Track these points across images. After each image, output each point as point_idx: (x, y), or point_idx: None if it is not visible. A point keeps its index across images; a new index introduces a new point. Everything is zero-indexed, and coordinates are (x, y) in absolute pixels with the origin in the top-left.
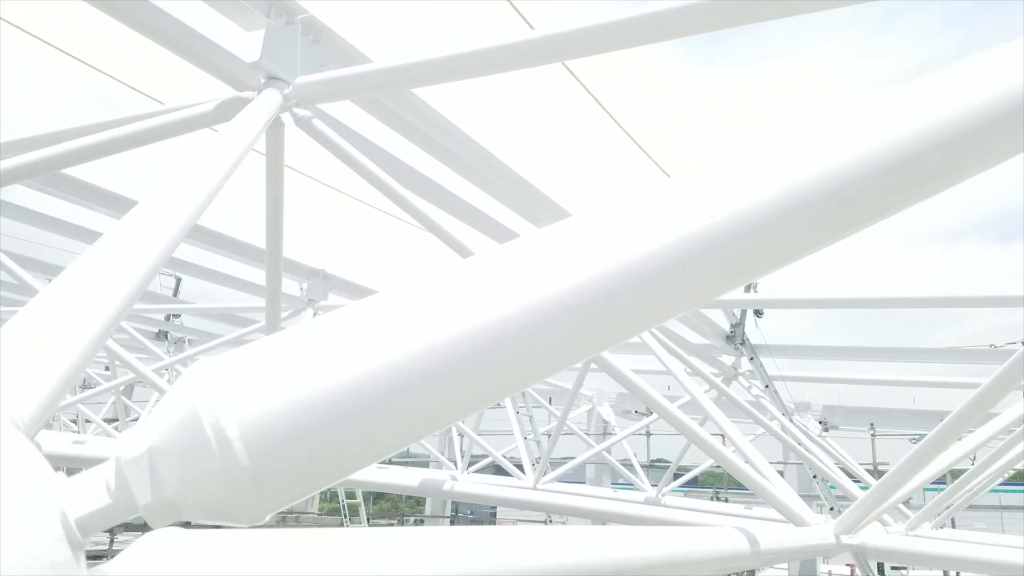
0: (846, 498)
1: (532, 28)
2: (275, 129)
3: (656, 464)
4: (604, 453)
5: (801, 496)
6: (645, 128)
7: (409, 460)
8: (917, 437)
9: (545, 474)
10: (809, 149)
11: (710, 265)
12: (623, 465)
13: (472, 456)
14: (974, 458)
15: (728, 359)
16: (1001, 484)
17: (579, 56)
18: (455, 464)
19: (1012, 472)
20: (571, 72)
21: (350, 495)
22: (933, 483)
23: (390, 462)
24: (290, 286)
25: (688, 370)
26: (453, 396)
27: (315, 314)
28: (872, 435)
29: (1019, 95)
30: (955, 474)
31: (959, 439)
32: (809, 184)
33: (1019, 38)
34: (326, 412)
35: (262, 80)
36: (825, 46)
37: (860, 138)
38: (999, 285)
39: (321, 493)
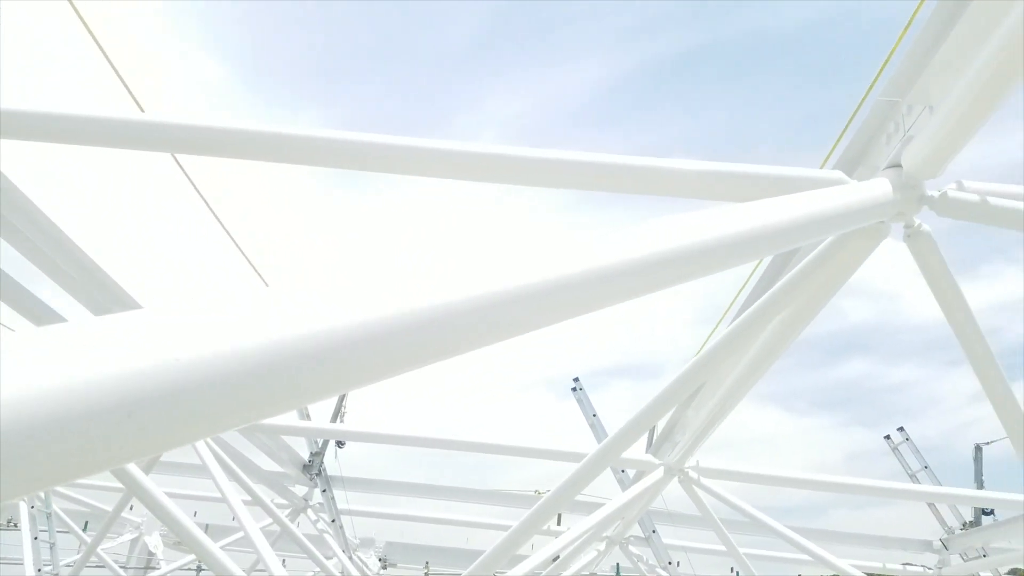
0: None
1: (142, 111)
2: None
3: None
4: None
5: None
6: (256, 235)
7: None
8: None
9: None
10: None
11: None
12: None
13: None
14: None
15: (302, 489)
16: None
17: (193, 152)
18: None
19: None
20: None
21: None
22: None
23: None
24: None
25: (249, 500)
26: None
27: None
28: (425, 574)
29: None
30: None
31: None
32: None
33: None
34: None
35: None
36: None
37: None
38: (554, 436)
39: None
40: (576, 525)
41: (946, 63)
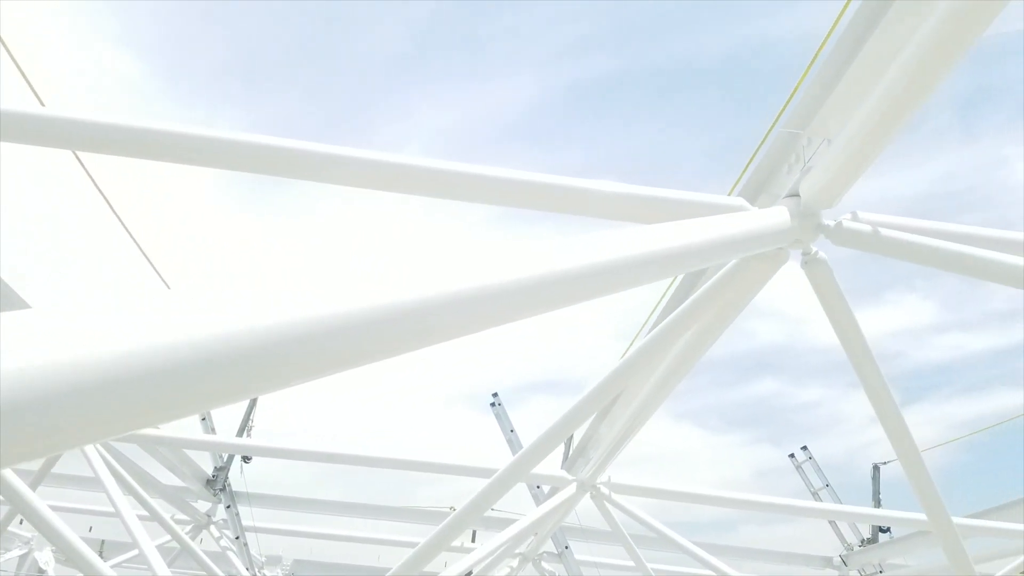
0: None
1: (43, 105)
2: None
3: None
4: None
5: None
6: (161, 236)
7: None
8: None
9: None
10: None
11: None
12: None
13: None
14: None
15: (205, 505)
16: None
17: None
18: None
19: None
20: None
21: None
22: None
23: None
24: None
25: (146, 515)
26: None
27: None
28: None
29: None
30: None
31: None
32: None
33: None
34: None
35: None
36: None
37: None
38: (475, 452)
39: None
40: (489, 541)
41: (843, 99)
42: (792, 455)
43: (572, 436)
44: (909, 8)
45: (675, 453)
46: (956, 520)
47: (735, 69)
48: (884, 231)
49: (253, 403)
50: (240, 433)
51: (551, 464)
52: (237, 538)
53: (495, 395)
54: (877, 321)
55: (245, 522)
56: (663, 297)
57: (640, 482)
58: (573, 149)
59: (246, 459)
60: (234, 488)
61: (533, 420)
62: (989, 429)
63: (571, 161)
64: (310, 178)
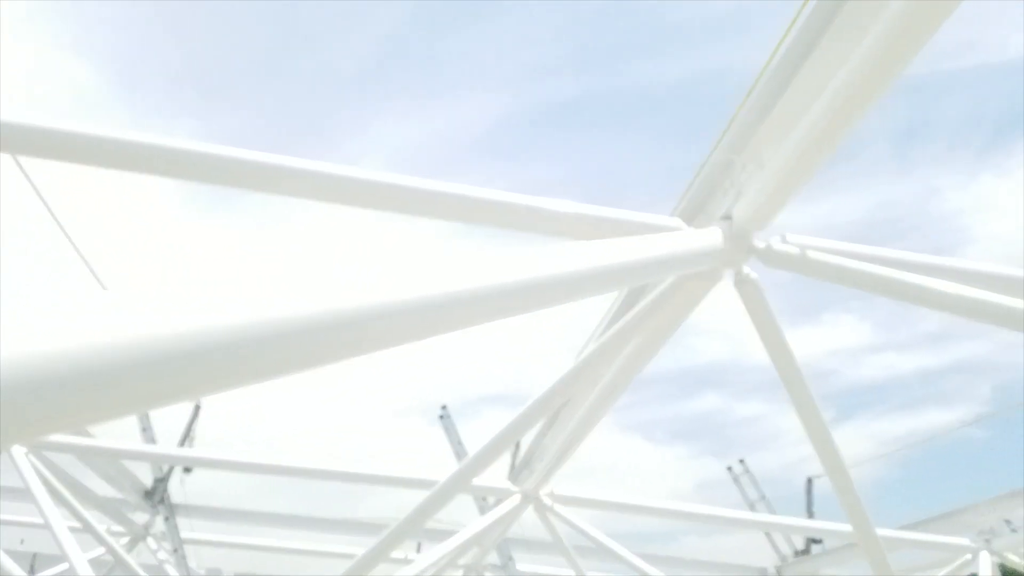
0: None
1: None
2: None
3: None
4: None
5: None
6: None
7: None
8: None
9: None
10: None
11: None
12: None
13: None
14: None
15: (143, 517)
16: None
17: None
18: None
19: None
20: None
21: None
22: None
23: None
24: None
25: (80, 526)
26: None
27: None
28: None
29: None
30: None
31: None
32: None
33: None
34: None
35: None
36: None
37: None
38: (426, 464)
39: None
40: (430, 552)
41: (775, 128)
42: (730, 467)
43: (519, 448)
44: (835, 47)
45: (623, 465)
46: (881, 532)
47: (691, 95)
48: (811, 253)
49: (195, 413)
50: (181, 443)
51: (499, 476)
52: (175, 551)
53: (443, 407)
54: (815, 340)
55: (184, 534)
56: (609, 313)
57: (583, 493)
58: (535, 169)
59: (187, 470)
60: (173, 500)
61: (487, 433)
62: (918, 445)
63: (532, 180)
64: (263, 189)
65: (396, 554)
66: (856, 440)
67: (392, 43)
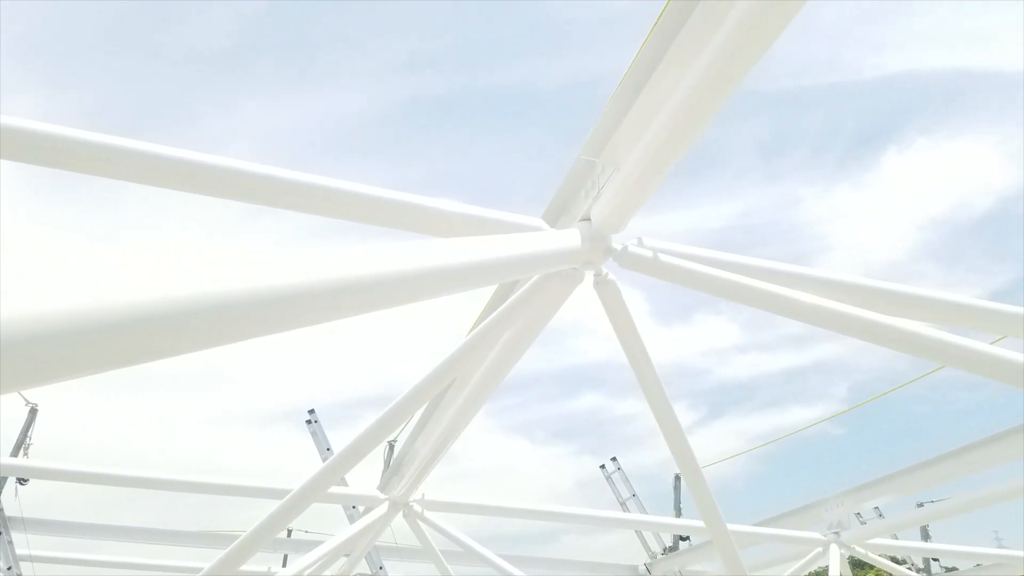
0: None
1: None
2: None
3: None
4: None
5: None
6: None
7: None
8: None
9: None
10: None
11: None
12: None
13: None
14: None
15: None
16: None
17: None
18: None
19: None
20: None
21: None
22: None
23: None
24: None
25: None
26: None
27: None
28: None
29: None
30: None
31: None
32: None
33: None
34: None
35: None
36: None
37: None
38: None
39: None
40: (293, 564)
41: (630, 131)
42: (603, 466)
43: (393, 454)
44: (683, 54)
45: (504, 466)
46: (738, 527)
47: (577, 94)
48: (664, 257)
49: (31, 418)
50: (15, 452)
51: (372, 484)
52: (9, 568)
53: (311, 412)
54: (689, 340)
55: (20, 550)
56: (479, 314)
57: (453, 498)
58: (410, 166)
59: (22, 481)
60: (7, 513)
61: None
62: (778, 441)
63: (406, 178)
64: (108, 175)
65: (258, 568)
66: (725, 436)
67: (261, 22)
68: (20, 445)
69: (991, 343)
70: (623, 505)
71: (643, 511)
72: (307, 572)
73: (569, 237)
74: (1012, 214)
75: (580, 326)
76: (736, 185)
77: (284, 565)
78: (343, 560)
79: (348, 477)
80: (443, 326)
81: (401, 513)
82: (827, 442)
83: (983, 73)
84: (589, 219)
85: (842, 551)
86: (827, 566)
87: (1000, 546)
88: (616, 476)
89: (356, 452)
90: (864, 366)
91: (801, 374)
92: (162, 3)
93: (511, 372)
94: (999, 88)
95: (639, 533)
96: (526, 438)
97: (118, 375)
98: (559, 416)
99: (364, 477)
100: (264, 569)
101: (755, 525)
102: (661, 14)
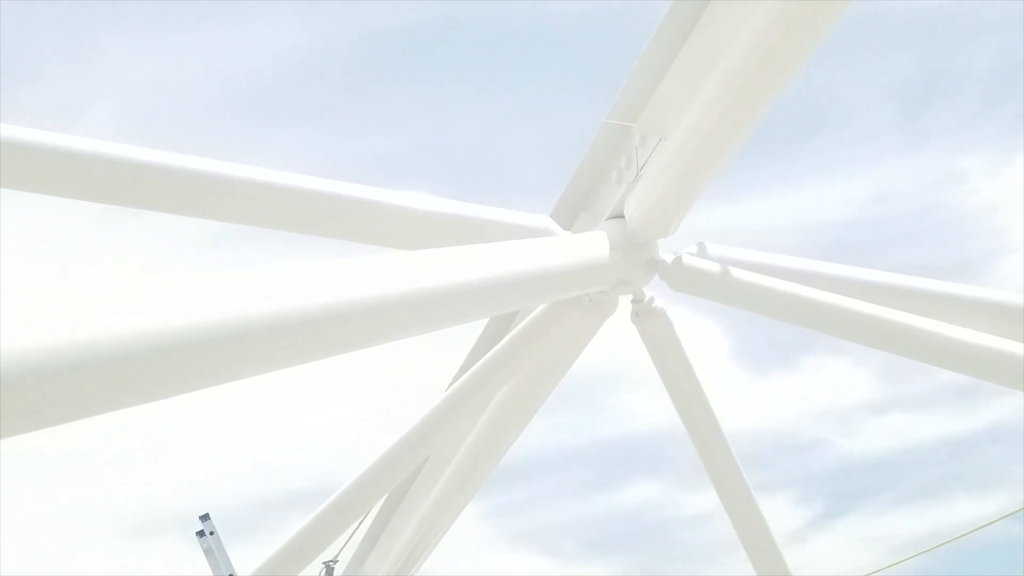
0: None
1: None
2: None
3: None
4: None
5: None
6: None
7: None
8: None
9: None
10: None
11: None
12: None
13: None
14: None
15: None
16: None
17: None
18: None
19: None
20: None
21: None
22: None
23: None
24: None
25: None
26: None
27: None
28: None
29: None
30: None
31: None
32: None
33: None
34: None
35: None
36: None
37: None
38: None
39: None
40: None
41: (679, 86)
42: None
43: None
44: None
45: None
46: None
47: (602, 31)
48: (738, 273)
49: None
50: None
51: None
52: None
53: (205, 517)
54: (792, 396)
55: None
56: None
57: None
58: (363, 136)
59: None
60: None
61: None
62: (939, 549)
63: (357, 154)
64: None
65: None
66: (854, 543)
67: None
68: None
69: None
70: None
71: None
72: None
73: (592, 244)
74: None
75: (627, 374)
76: (864, 155)
77: None
78: None
79: None
80: (406, 380)
81: None
82: (1013, 546)
83: None
84: (622, 215)
85: None
86: None
87: None
88: None
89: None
90: None
91: (970, 445)
92: None
93: (512, 449)
94: None
95: None
96: (544, 552)
97: None
98: (596, 517)
99: None
100: None
101: None
102: None
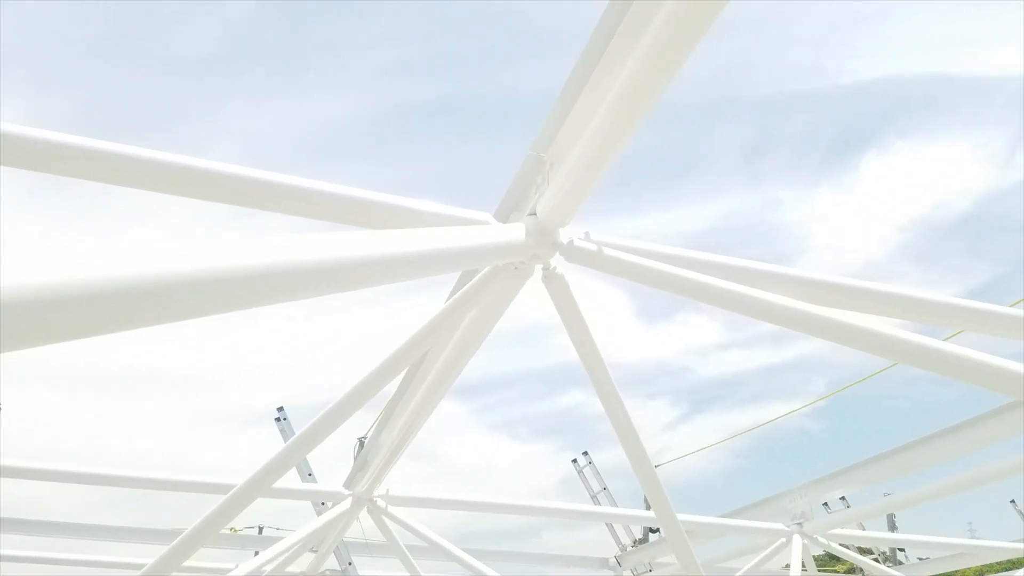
0: None
1: None
2: None
3: None
4: None
5: None
6: None
7: None
8: None
9: None
10: None
11: None
12: None
13: None
14: None
15: None
16: None
17: None
18: None
19: None
20: None
21: None
22: None
23: None
24: None
25: None
26: None
27: None
28: None
29: None
30: None
31: None
32: None
33: None
34: None
35: None
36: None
37: None
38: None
39: None
40: (251, 560)
41: (574, 125)
42: (575, 460)
43: (362, 449)
44: (618, 53)
45: (487, 464)
46: (703, 519)
47: (545, 104)
48: (608, 251)
49: None
50: None
51: (336, 480)
52: None
53: (280, 409)
54: (672, 338)
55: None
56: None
57: (417, 493)
58: (395, 168)
59: None
60: None
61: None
62: (751, 432)
63: (391, 180)
64: (91, 178)
65: (227, 565)
66: (705, 432)
67: (248, 28)
68: None
69: (944, 339)
70: (594, 499)
71: (614, 505)
72: (270, 567)
73: (514, 231)
74: (989, 215)
75: (562, 324)
76: (719, 188)
77: (256, 555)
78: (311, 556)
79: (320, 477)
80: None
81: (366, 509)
82: (805, 437)
83: (960, 78)
84: (535, 213)
85: (805, 541)
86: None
87: (973, 537)
88: (588, 471)
89: (306, 443)
90: (841, 362)
91: (780, 371)
92: (149, 10)
93: (490, 370)
94: (975, 93)
95: (610, 526)
96: (510, 435)
97: (83, 376)
98: (543, 413)
99: (338, 476)
100: (232, 566)
101: (720, 517)
102: (603, 14)
